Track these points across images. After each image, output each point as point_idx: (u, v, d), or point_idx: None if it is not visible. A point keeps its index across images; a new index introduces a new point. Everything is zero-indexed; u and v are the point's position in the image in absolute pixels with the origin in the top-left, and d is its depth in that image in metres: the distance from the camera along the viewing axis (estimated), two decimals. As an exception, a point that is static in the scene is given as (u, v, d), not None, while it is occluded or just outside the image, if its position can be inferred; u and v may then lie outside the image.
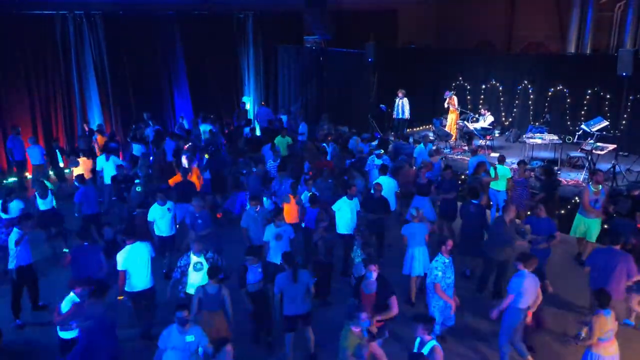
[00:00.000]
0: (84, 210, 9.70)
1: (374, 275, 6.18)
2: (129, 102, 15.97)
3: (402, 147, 13.99)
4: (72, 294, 6.23)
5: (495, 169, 10.27)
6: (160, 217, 8.69)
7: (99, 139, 13.51)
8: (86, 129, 14.42)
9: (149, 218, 8.73)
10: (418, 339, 5.29)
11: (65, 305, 6.17)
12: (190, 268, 6.91)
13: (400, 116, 15.36)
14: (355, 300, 6.29)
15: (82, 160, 11.68)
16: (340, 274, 8.79)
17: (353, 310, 5.56)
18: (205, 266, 6.86)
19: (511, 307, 6.36)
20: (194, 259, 6.94)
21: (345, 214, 8.66)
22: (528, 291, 6.28)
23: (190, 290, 6.82)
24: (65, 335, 6.33)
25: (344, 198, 8.69)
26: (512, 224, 7.94)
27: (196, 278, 6.88)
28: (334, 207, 8.71)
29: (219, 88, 17.93)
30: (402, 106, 15.24)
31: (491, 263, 8.15)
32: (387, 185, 9.61)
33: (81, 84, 15.13)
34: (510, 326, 6.44)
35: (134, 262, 7.00)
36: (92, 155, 12.37)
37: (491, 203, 10.61)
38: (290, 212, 8.94)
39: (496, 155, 13.77)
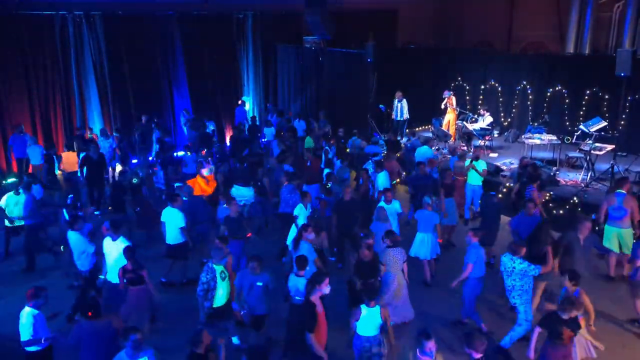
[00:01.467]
0: None
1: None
2: (129, 102, 16.00)
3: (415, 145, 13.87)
4: (28, 307, 5.90)
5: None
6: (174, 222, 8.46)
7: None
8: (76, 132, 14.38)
9: (162, 218, 8.56)
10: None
11: (26, 320, 5.85)
12: (218, 279, 6.59)
13: (400, 117, 15.38)
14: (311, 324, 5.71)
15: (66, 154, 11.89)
16: None
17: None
18: (227, 274, 6.72)
19: (472, 278, 7.06)
20: (217, 268, 6.64)
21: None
22: (482, 260, 7.12)
23: (220, 302, 6.67)
24: (32, 348, 5.94)
25: (382, 204, 8.66)
26: (585, 241, 7.38)
27: (225, 287, 6.70)
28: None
29: (218, 88, 17.94)
30: (401, 108, 15.26)
31: None
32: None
33: (81, 84, 15.16)
34: (475, 294, 7.17)
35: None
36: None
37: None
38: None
39: (495, 155, 13.86)
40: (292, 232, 8.35)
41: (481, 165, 10.72)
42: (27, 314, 5.89)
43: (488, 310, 7.90)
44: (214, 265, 6.61)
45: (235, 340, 7.05)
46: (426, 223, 8.46)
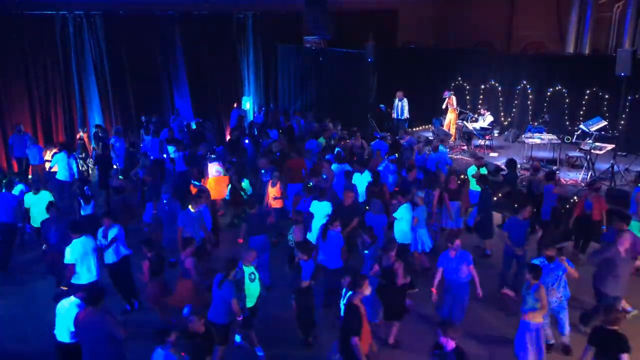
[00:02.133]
0: None
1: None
2: (129, 102, 16.03)
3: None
4: (74, 298, 5.91)
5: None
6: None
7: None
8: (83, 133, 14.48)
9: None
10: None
11: (71, 311, 5.81)
12: (246, 280, 6.57)
13: (400, 117, 15.40)
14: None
15: None
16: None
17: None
18: (257, 275, 6.69)
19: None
20: (247, 270, 6.61)
21: (403, 222, 8.51)
22: None
23: (250, 303, 6.67)
24: (65, 339, 5.95)
25: (406, 205, 8.49)
26: (628, 254, 6.92)
27: (254, 288, 6.65)
28: (396, 215, 8.52)
29: (218, 88, 17.97)
30: (402, 107, 15.28)
31: (606, 298, 6.93)
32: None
33: (81, 84, 15.18)
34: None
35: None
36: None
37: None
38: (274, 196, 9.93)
39: (495, 155, 13.86)
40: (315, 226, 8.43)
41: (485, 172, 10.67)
42: (71, 304, 5.86)
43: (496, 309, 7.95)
44: (244, 267, 6.59)
45: (237, 339, 7.08)
46: (422, 218, 8.58)
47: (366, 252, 7.55)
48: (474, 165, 10.61)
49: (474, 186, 10.42)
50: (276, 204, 10.04)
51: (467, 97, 16.76)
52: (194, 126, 15.26)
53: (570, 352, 6.80)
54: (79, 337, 5.73)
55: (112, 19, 15.24)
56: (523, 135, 13.85)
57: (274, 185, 9.98)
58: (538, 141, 12.95)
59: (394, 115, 15.48)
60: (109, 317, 5.65)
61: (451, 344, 5.00)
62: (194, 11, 17.05)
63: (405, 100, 15.21)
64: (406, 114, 15.36)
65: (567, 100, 14.54)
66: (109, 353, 5.65)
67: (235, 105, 17.50)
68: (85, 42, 14.98)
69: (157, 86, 16.64)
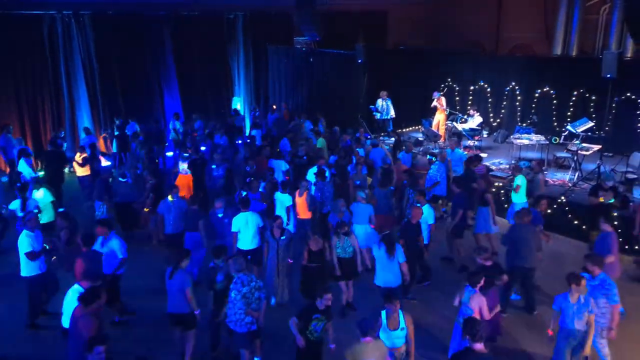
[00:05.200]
0: None
1: None
2: (118, 103, 15.93)
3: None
4: (77, 285, 6.16)
5: None
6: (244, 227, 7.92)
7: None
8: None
9: (234, 228, 7.90)
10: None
11: (72, 298, 5.95)
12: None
13: (386, 116, 15.54)
14: None
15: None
16: None
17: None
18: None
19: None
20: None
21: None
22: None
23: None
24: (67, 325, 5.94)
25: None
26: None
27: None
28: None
29: (209, 89, 17.93)
30: (387, 107, 15.43)
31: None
32: None
33: (70, 85, 15.08)
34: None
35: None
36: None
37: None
38: (300, 206, 9.20)
39: (485, 155, 13.95)
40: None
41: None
42: (73, 291, 6.09)
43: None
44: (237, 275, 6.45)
45: None
46: (362, 215, 8.61)
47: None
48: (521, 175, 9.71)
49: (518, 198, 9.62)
50: (305, 215, 9.29)
51: (457, 98, 16.88)
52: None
53: None
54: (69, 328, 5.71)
55: (101, 19, 15.15)
56: (512, 136, 13.96)
57: (301, 194, 9.17)
58: (526, 142, 13.06)
59: (380, 116, 15.59)
60: (86, 319, 5.42)
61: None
62: (184, 12, 17.01)
63: (389, 100, 15.37)
64: (392, 113, 15.50)
65: (554, 102, 14.70)
66: (74, 354, 5.51)
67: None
68: (74, 42, 14.88)
69: (147, 87, 16.57)
